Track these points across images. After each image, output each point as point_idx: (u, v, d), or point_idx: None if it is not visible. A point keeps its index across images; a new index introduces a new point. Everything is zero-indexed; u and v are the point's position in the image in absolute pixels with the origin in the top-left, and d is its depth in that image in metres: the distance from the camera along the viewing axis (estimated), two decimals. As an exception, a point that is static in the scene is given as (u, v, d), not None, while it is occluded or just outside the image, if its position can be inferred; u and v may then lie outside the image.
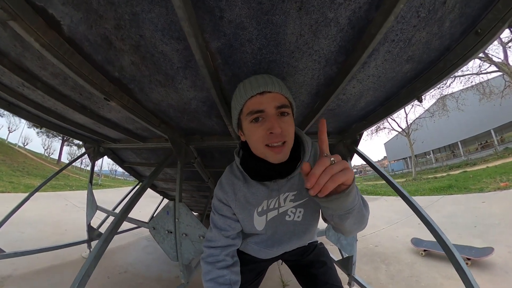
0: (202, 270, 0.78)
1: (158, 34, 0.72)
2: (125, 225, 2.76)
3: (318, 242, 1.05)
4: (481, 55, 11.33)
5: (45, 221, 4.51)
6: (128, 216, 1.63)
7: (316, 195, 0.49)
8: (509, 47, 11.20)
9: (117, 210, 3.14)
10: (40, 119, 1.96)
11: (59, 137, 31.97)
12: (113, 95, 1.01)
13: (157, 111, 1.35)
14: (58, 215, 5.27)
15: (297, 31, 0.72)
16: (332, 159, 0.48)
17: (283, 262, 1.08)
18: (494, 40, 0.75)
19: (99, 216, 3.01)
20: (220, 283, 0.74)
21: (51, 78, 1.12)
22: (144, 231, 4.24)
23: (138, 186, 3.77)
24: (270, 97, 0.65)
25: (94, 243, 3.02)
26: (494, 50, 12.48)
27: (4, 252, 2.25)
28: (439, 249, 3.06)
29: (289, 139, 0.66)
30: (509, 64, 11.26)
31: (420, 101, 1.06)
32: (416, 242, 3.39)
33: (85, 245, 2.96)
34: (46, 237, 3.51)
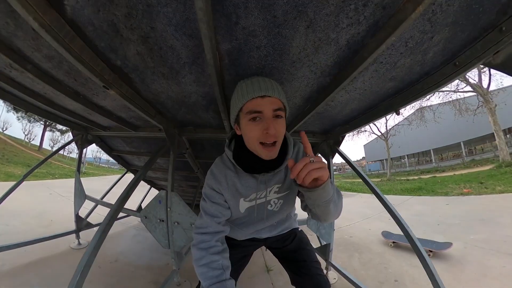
0: (193, 256, 0.81)
1: (170, 28, 0.72)
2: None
3: (299, 229, 1.15)
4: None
5: (30, 212, 4.32)
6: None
7: (300, 185, 0.63)
8: (484, 71, 12.42)
9: (105, 199, 3.08)
10: (27, 104, 1.86)
11: (41, 122, 28.96)
12: (113, 83, 1.00)
13: (155, 102, 1.34)
14: (42, 205, 5.05)
15: (301, 45, 0.79)
16: (312, 159, 0.59)
17: (267, 249, 1.18)
18: (468, 72, 0.87)
19: (86, 206, 2.94)
20: (214, 267, 0.77)
21: (44, 61, 1.06)
22: (132, 220, 4.19)
23: (133, 176, 3.71)
24: (269, 100, 0.72)
25: (82, 233, 2.94)
26: (471, 71, 13.49)
27: (-12, 247, 2.13)
28: (406, 241, 3.37)
29: (280, 139, 0.75)
30: (482, 86, 12.60)
31: (398, 114, 1.23)
32: (386, 234, 3.69)
33: (73, 235, 2.87)
34: (31, 229, 3.37)
